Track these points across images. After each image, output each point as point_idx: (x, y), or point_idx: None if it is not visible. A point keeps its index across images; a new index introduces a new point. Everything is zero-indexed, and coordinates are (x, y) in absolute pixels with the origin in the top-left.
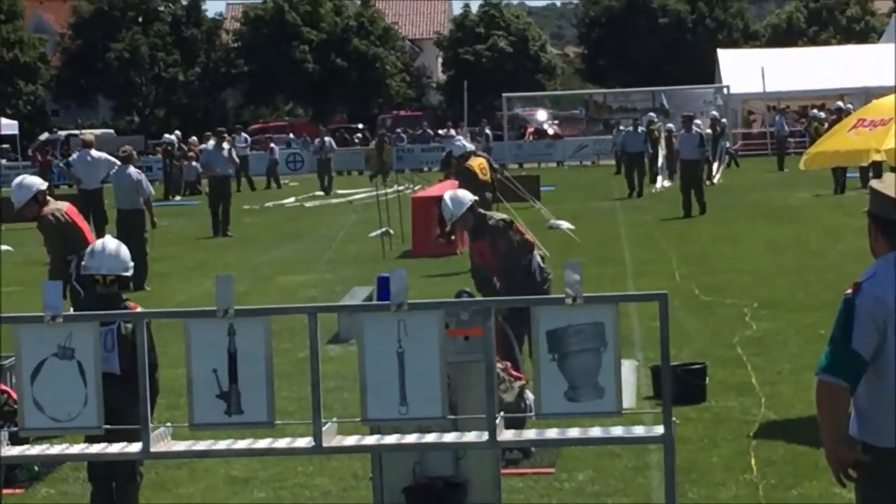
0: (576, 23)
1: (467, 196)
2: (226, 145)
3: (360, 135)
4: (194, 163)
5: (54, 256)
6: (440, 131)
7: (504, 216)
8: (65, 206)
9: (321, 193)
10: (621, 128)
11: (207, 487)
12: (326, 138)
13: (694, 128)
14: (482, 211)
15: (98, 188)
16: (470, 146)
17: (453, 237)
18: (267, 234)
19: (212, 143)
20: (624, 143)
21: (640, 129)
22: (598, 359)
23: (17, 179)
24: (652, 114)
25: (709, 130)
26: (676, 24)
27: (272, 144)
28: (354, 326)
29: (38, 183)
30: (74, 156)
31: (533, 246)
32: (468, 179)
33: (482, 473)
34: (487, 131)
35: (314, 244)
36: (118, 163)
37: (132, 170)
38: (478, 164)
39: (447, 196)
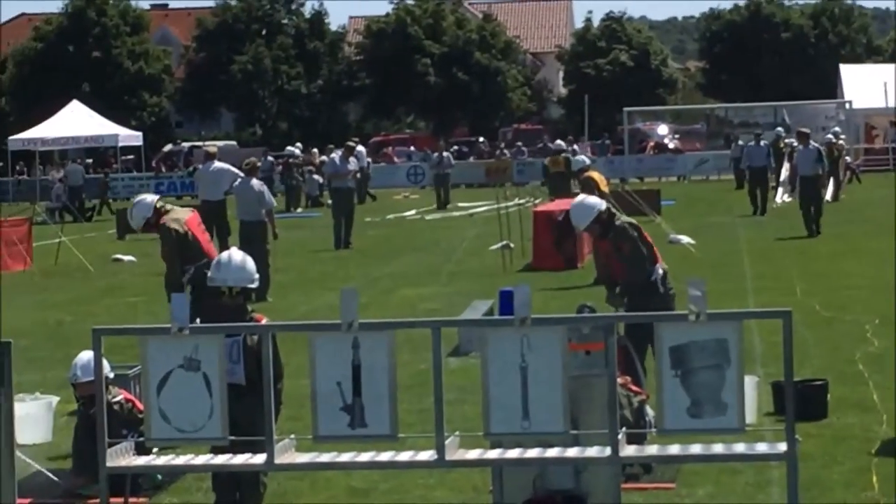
0: (697, 37)
1: (596, 204)
2: (352, 159)
3: (455, 147)
4: (315, 175)
5: (169, 265)
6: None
7: (633, 220)
8: (186, 215)
9: (434, 207)
10: (740, 142)
11: (329, 498)
12: (445, 153)
13: (811, 143)
14: (613, 211)
15: (221, 199)
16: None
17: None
18: (388, 246)
19: (335, 154)
20: (746, 157)
21: (762, 142)
22: (722, 375)
23: (133, 202)
24: (780, 128)
25: (823, 147)
26: (799, 39)
27: (368, 159)
28: (475, 340)
29: (147, 206)
30: (199, 167)
31: (657, 257)
32: (590, 190)
33: (602, 487)
34: (575, 147)
35: (434, 257)
36: (241, 174)
37: (254, 181)
38: (597, 175)
39: (576, 202)
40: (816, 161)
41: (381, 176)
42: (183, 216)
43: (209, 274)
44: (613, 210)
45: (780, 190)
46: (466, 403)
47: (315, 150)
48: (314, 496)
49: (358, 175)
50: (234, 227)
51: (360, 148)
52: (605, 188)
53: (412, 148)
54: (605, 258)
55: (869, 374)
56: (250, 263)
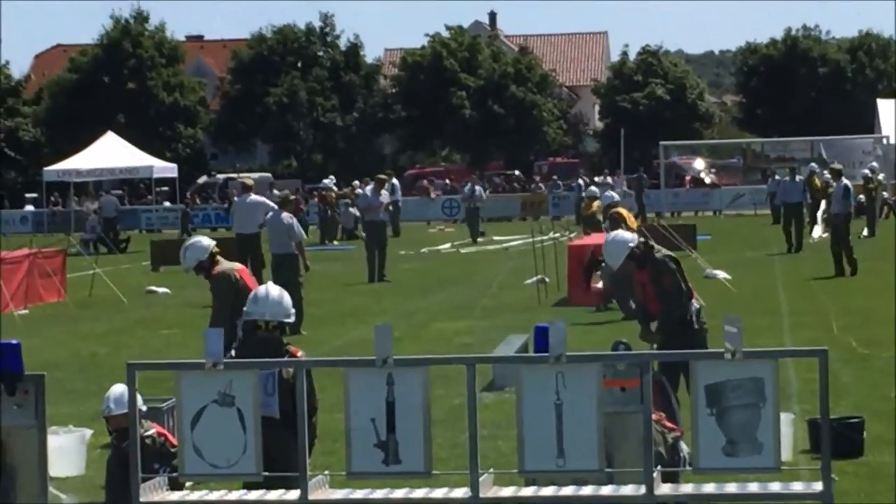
0: (734, 71)
1: (628, 240)
2: (384, 191)
3: (481, 186)
4: (351, 208)
5: (220, 315)
6: (596, 178)
7: (671, 254)
8: (238, 266)
9: (469, 241)
10: (777, 177)
11: None
12: (476, 186)
13: (842, 180)
14: (651, 244)
15: (256, 232)
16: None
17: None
18: (422, 279)
19: (369, 187)
20: (782, 192)
21: (798, 178)
22: (757, 414)
23: (187, 243)
24: (814, 164)
25: (860, 182)
26: (836, 74)
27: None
28: (510, 375)
29: (203, 249)
30: (236, 199)
31: (693, 293)
32: (617, 226)
33: None
34: (608, 180)
35: (469, 290)
36: (275, 207)
37: (284, 214)
38: (625, 211)
39: (608, 240)
40: (843, 198)
41: (417, 209)
42: (236, 267)
43: (246, 308)
44: (651, 243)
45: (817, 225)
46: (500, 439)
47: (357, 181)
48: None
49: (391, 208)
50: (267, 259)
51: (394, 181)
52: (632, 224)
53: (447, 181)
54: (642, 290)
55: None
56: (287, 298)
